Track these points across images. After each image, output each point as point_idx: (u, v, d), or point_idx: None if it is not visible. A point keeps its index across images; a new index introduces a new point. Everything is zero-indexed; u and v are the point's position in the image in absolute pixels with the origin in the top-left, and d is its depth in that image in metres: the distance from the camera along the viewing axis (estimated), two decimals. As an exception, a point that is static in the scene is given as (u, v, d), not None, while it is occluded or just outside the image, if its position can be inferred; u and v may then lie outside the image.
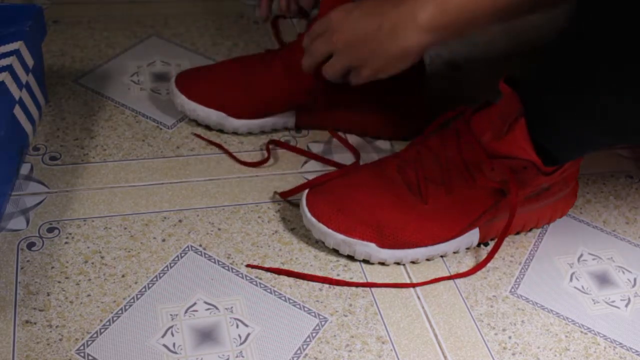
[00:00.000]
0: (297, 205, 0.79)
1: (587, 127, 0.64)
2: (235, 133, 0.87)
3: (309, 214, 0.72)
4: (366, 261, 0.73)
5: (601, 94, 0.59)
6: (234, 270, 0.71)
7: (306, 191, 0.74)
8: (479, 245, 0.77)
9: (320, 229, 0.71)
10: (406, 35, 0.68)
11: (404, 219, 0.71)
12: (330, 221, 0.71)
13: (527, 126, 0.65)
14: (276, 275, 0.71)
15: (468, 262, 0.75)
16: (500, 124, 0.67)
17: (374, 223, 0.70)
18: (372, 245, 0.71)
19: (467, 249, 0.76)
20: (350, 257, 0.74)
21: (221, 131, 0.87)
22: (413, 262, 0.74)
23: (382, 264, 0.73)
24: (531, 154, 0.67)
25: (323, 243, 0.74)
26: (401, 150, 0.76)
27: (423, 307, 0.70)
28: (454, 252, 0.75)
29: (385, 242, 0.71)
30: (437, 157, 0.71)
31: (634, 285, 0.76)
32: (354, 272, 0.72)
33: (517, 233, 0.79)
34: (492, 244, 0.76)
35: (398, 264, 0.73)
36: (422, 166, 0.72)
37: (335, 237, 0.71)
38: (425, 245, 0.72)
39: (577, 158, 0.73)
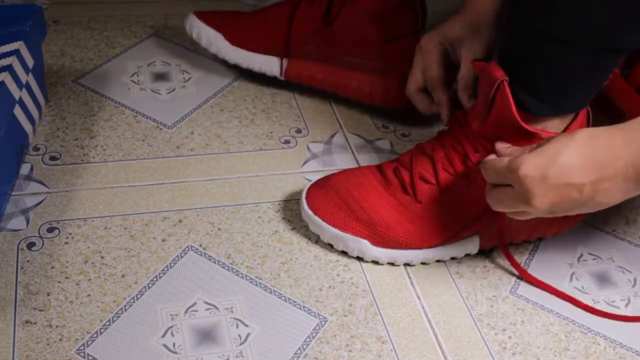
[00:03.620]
0: (297, 205, 0.79)
1: (562, 53, 0.64)
2: (225, 62, 0.92)
3: (306, 207, 0.73)
4: (360, 259, 0.73)
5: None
6: (234, 270, 0.71)
7: (307, 186, 0.75)
8: (481, 252, 0.76)
9: (316, 222, 0.72)
10: (614, 194, 0.59)
11: (396, 218, 0.71)
12: (326, 215, 0.72)
13: (509, 86, 0.65)
14: (276, 275, 0.71)
15: (468, 263, 0.75)
16: (484, 105, 0.68)
17: (367, 220, 0.71)
18: (365, 242, 0.71)
19: (467, 255, 0.76)
20: (351, 258, 0.74)
21: (215, 58, 0.94)
22: (407, 265, 0.74)
23: (377, 263, 0.73)
24: (515, 119, 0.65)
25: (320, 239, 0.74)
26: (400, 155, 0.76)
27: (423, 307, 0.70)
28: (452, 258, 0.75)
29: (378, 240, 0.71)
30: (431, 158, 0.72)
31: (634, 285, 0.76)
32: (354, 272, 0.72)
33: (523, 242, 0.78)
34: (492, 257, 0.76)
35: (392, 264, 0.73)
36: (417, 167, 0.72)
37: (329, 232, 0.72)
38: (419, 247, 0.72)
39: (563, 110, 0.69)
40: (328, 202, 0.72)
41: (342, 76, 0.90)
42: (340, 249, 0.73)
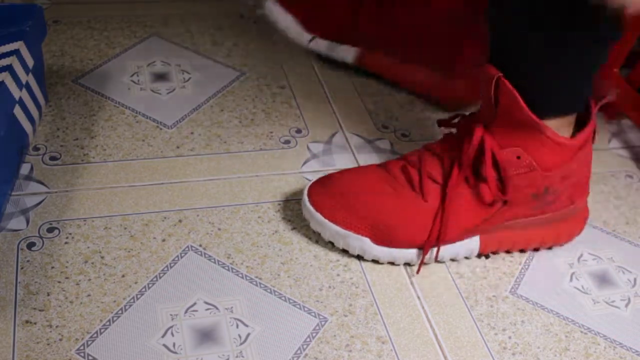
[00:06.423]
0: (297, 205, 0.79)
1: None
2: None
3: (308, 204, 0.73)
4: (361, 257, 0.73)
5: None
6: (234, 270, 0.71)
7: (309, 183, 0.75)
8: (479, 256, 0.76)
9: (318, 219, 0.72)
10: None
11: (400, 215, 0.71)
12: (327, 213, 0.72)
13: (509, 81, 0.65)
14: (276, 275, 0.71)
15: (468, 263, 0.75)
16: (488, 105, 0.68)
17: (369, 218, 0.71)
18: (366, 240, 0.71)
19: (467, 258, 0.76)
20: (351, 258, 0.74)
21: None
22: (408, 264, 0.74)
23: (377, 262, 0.73)
24: (522, 107, 0.66)
25: (321, 236, 0.74)
26: (406, 154, 0.76)
27: (423, 307, 0.70)
28: (451, 260, 0.75)
29: (379, 238, 0.71)
30: (440, 158, 0.72)
31: (634, 285, 0.76)
32: (354, 272, 0.72)
33: (521, 251, 0.78)
34: (492, 257, 0.76)
35: (392, 264, 0.73)
36: (425, 166, 0.72)
37: (330, 229, 0.72)
38: (420, 247, 0.72)
39: (568, 103, 0.70)
40: (330, 200, 0.72)
41: (412, 71, 0.94)
42: (341, 246, 0.73)
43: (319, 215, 0.72)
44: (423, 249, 0.71)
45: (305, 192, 0.74)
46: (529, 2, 0.64)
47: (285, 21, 0.98)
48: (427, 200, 0.71)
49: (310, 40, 0.97)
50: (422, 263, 0.72)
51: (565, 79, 0.67)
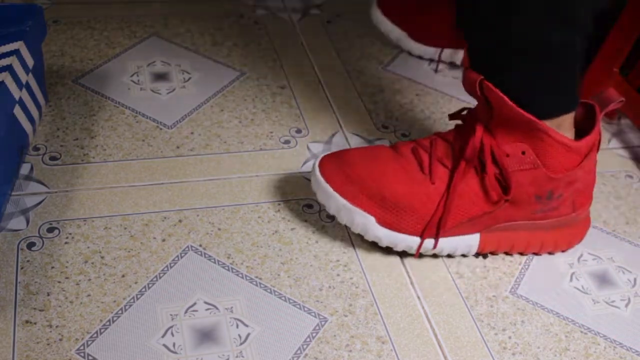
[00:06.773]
0: (297, 205, 0.79)
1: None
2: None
3: (319, 174, 0.72)
4: (361, 237, 0.73)
5: None
6: (234, 270, 0.71)
7: (320, 156, 0.75)
8: (477, 256, 0.76)
9: (326, 190, 0.72)
10: None
11: (407, 195, 0.70)
12: (337, 184, 0.71)
13: (495, 85, 0.66)
14: (276, 275, 0.71)
15: (468, 263, 0.75)
16: (483, 106, 0.69)
17: (378, 195, 0.71)
18: (372, 219, 0.71)
19: (464, 256, 0.76)
20: (351, 258, 0.74)
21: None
22: (405, 253, 0.74)
23: (376, 244, 0.73)
24: (506, 103, 0.66)
25: (324, 208, 0.74)
26: (418, 138, 0.76)
27: (423, 307, 0.70)
28: (449, 255, 0.75)
29: (384, 220, 0.71)
30: (451, 145, 0.72)
31: (634, 285, 0.76)
32: (354, 272, 0.72)
33: (520, 254, 0.78)
34: (492, 257, 0.76)
35: (390, 249, 0.73)
36: (436, 151, 0.72)
37: (337, 201, 0.71)
38: (421, 231, 0.71)
39: (557, 101, 0.70)
40: (341, 173, 0.72)
41: None
42: (344, 222, 0.72)
43: (328, 187, 0.71)
44: (423, 233, 0.71)
45: (317, 163, 0.74)
46: (505, 3, 0.64)
47: (387, 28, 1.05)
48: (435, 183, 0.71)
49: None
50: (421, 245, 0.72)
51: (549, 79, 0.68)
